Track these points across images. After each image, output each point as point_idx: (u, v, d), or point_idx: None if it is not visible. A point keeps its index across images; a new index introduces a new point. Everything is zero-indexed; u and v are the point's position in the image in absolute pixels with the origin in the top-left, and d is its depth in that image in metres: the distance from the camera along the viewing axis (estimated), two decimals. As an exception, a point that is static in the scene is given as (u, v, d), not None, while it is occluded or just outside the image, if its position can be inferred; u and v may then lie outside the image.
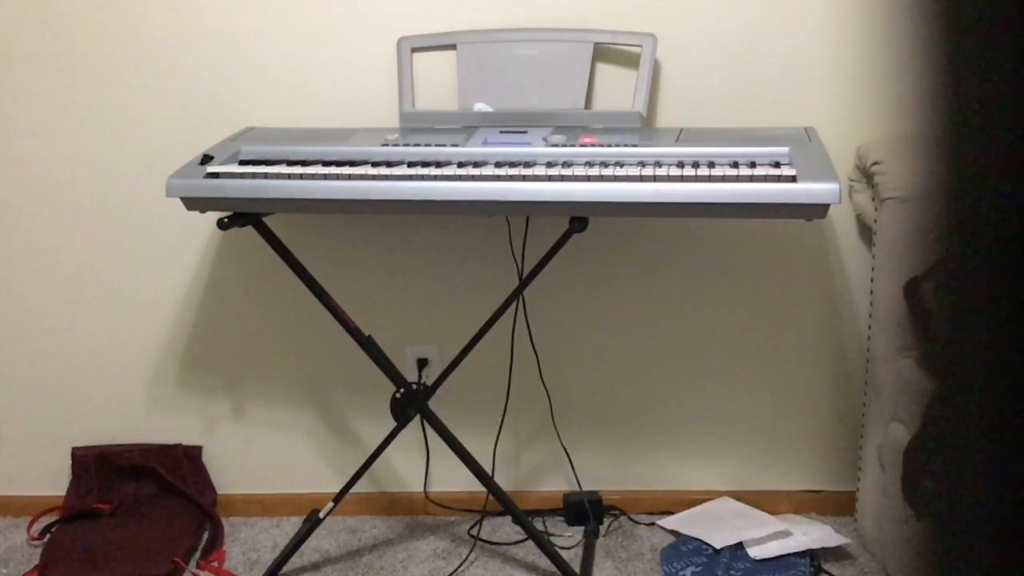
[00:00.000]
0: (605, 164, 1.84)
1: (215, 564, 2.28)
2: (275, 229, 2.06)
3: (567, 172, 1.80)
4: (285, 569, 2.23)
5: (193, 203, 1.93)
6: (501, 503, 2.17)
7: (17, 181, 2.39)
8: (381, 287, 2.39)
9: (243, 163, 1.97)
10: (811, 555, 2.18)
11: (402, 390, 2.13)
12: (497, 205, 1.84)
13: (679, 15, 2.20)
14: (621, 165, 1.83)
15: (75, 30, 2.29)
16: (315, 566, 2.27)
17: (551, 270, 2.31)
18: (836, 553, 2.22)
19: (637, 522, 2.41)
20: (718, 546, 2.21)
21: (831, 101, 2.21)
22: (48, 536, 2.39)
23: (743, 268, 2.32)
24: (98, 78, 2.31)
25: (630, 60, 2.21)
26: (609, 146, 1.94)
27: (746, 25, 2.19)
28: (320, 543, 2.35)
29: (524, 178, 1.82)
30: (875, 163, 2.06)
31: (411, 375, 2.31)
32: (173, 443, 2.49)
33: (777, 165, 1.79)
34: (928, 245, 0.49)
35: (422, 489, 2.49)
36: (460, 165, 1.88)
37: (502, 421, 2.41)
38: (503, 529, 2.40)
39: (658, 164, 1.82)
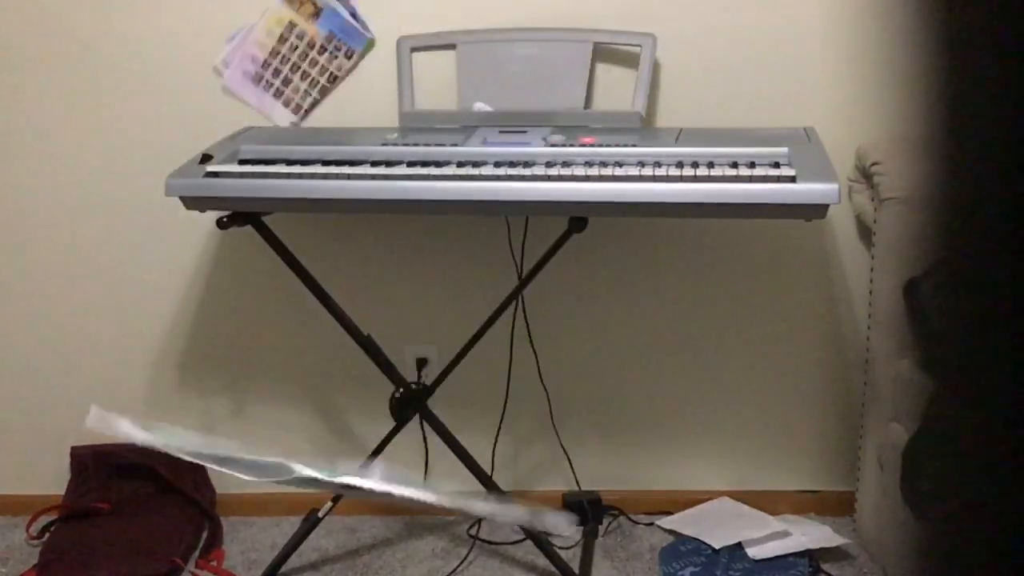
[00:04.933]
0: (605, 164, 1.83)
1: (214, 563, 2.28)
2: (275, 229, 2.06)
3: (567, 172, 1.80)
4: (284, 569, 2.23)
5: (192, 202, 1.93)
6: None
7: (16, 180, 2.38)
8: (381, 287, 2.39)
9: (242, 162, 1.97)
10: (810, 555, 2.18)
11: (401, 390, 2.13)
12: (497, 205, 1.84)
13: (679, 15, 2.19)
14: (621, 165, 1.82)
15: (75, 29, 2.29)
16: (314, 566, 2.27)
17: (551, 270, 2.30)
18: (835, 553, 2.22)
19: (636, 522, 2.41)
20: (717, 546, 2.21)
21: (831, 101, 2.21)
22: (47, 535, 2.39)
23: (743, 268, 2.32)
24: (97, 77, 2.31)
25: (630, 60, 2.21)
26: (609, 146, 1.93)
27: (746, 25, 2.19)
28: (319, 543, 2.35)
29: (524, 178, 1.82)
30: (875, 163, 2.06)
31: (410, 375, 2.31)
32: (172, 442, 2.49)
33: (777, 165, 1.79)
34: (927, 245, 0.49)
35: (421, 489, 2.49)
36: (460, 165, 1.87)
37: (501, 421, 2.41)
38: (502, 529, 2.40)
39: (658, 164, 1.82)
